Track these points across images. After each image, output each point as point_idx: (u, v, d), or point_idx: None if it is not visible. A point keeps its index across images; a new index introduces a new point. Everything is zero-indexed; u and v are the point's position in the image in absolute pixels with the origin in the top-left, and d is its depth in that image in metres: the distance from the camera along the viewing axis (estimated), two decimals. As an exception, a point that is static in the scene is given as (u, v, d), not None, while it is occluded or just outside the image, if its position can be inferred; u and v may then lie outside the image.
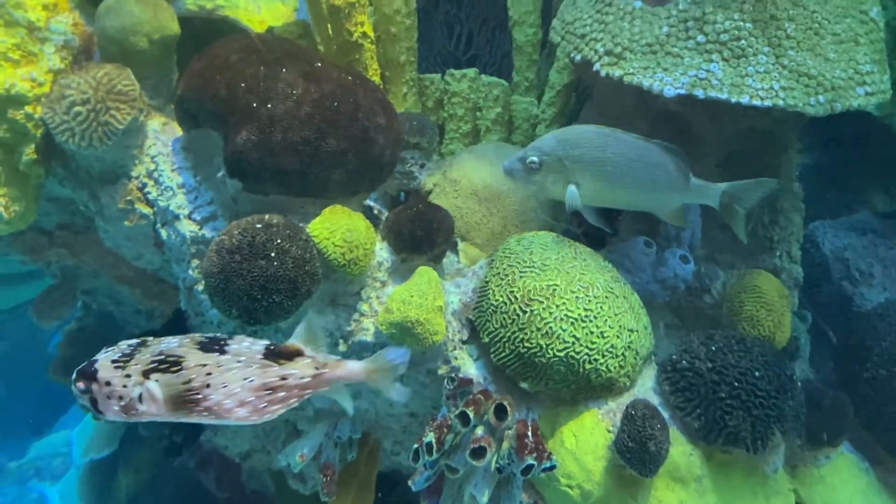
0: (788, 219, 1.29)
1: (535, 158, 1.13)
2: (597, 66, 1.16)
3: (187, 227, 1.14)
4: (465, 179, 1.33)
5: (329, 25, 1.33)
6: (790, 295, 1.29)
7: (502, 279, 1.13)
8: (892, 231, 1.53)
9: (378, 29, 1.40)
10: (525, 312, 1.09)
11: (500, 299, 1.11)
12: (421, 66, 1.58)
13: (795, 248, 1.30)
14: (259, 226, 1.05)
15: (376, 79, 1.39)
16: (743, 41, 1.10)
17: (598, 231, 1.30)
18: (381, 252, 1.18)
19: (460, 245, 1.29)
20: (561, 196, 1.16)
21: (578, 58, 1.20)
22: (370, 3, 1.44)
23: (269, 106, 1.09)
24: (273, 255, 1.02)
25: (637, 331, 1.12)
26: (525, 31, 1.54)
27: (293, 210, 1.14)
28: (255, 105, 1.09)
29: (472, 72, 1.48)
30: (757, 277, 1.21)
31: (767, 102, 1.07)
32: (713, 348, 1.10)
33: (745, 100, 1.07)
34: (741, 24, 1.10)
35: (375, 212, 1.29)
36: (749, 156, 1.27)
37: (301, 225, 1.10)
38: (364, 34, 1.31)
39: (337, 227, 1.10)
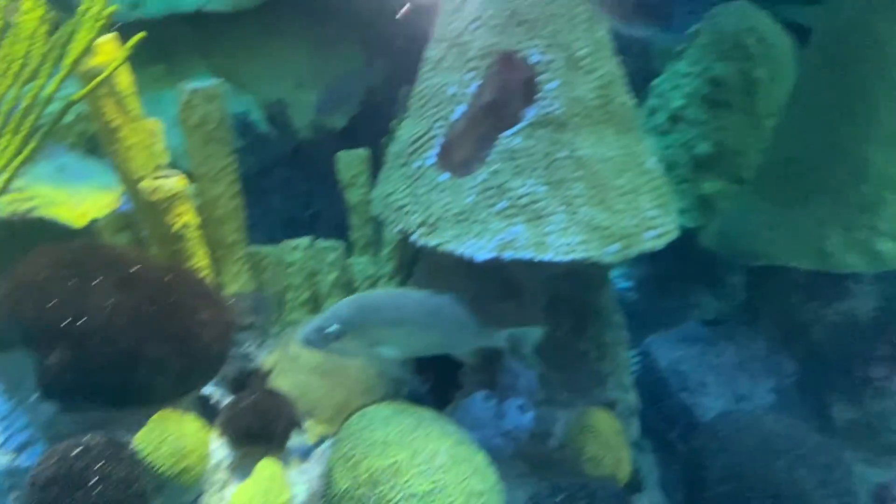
0: (614, 351, 1.38)
1: (334, 328, 1.14)
2: (414, 237, 1.22)
3: (1, 459, 1.06)
4: (304, 354, 1.33)
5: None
6: (629, 422, 1.35)
7: (346, 462, 1.11)
8: (718, 338, 1.66)
9: (203, 213, 1.41)
10: (371, 496, 1.07)
11: (346, 485, 1.09)
12: (260, 231, 1.59)
13: (626, 378, 1.38)
14: (77, 451, 0.99)
15: (204, 263, 1.38)
16: (540, 203, 1.19)
17: (442, 387, 1.33)
18: (220, 450, 1.14)
19: (306, 424, 1.27)
20: (365, 357, 1.21)
21: (397, 229, 1.26)
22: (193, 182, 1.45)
23: (82, 322, 1.05)
24: (93, 482, 0.97)
25: (485, 492, 1.13)
26: (357, 192, 1.60)
27: (118, 423, 1.08)
28: (67, 322, 1.05)
29: (304, 241, 1.51)
30: (592, 417, 1.26)
31: (569, 257, 1.15)
32: (559, 499, 1.12)
33: (548, 257, 1.15)
34: (536, 188, 1.19)
35: (213, 401, 1.26)
36: (570, 297, 1.36)
37: (126, 438, 1.05)
38: (186, 224, 1.31)
39: (165, 437, 1.06)
